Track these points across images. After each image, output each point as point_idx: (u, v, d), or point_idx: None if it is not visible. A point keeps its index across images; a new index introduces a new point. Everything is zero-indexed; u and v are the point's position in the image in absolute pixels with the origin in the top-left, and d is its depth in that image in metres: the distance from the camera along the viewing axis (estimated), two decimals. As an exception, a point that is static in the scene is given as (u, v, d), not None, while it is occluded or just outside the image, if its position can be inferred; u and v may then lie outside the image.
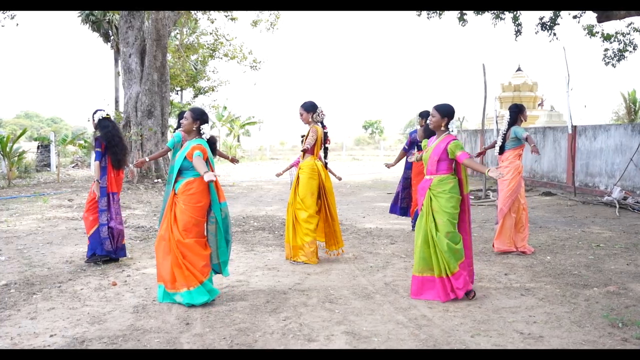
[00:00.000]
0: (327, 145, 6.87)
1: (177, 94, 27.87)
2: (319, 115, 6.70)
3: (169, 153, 7.38)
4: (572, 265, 6.40)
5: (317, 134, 6.69)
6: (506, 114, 7.33)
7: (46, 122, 79.31)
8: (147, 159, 6.89)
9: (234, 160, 6.52)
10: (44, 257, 6.86)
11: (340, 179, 9.28)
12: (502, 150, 7.19)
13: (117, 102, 25.79)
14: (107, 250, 6.57)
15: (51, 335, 4.26)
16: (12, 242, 7.77)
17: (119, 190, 6.78)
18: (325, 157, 6.90)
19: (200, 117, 5.11)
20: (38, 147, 24.14)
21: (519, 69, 25.45)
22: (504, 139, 7.17)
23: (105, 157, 6.60)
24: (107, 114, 6.77)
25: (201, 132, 5.10)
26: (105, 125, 6.66)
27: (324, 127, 6.80)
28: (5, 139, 18.07)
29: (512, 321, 4.53)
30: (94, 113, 6.75)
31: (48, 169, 22.66)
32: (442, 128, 5.24)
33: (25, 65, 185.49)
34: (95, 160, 6.59)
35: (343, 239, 7.09)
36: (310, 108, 6.70)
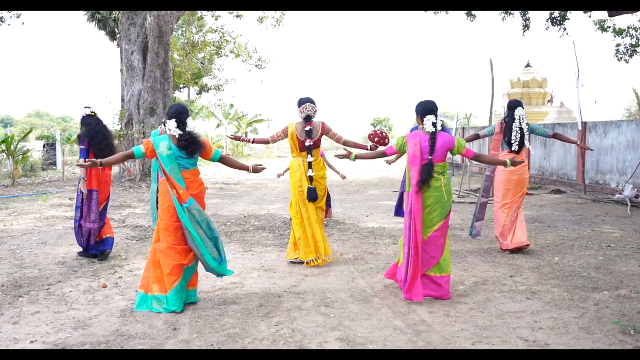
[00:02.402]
0: (306, 143, 6.30)
1: (181, 91, 27.67)
2: (300, 111, 6.38)
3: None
4: (581, 266, 6.13)
5: (285, 131, 6.46)
6: (521, 112, 6.93)
7: (57, 121, 79.54)
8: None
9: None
10: (36, 258, 6.69)
11: (344, 177, 9.06)
12: (521, 147, 6.87)
13: (123, 99, 25.63)
14: (79, 245, 6.71)
15: (31, 342, 4.07)
16: (6, 242, 7.61)
17: (102, 189, 6.71)
18: (307, 155, 6.37)
19: (167, 113, 4.87)
20: (44, 146, 24.12)
21: (527, 65, 24.99)
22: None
23: (89, 154, 6.53)
24: (92, 112, 6.73)
25: (167, 128, 4.86)
26: (88, 123, 6.65)
27: (307, 124, 6.33)
28: (10, 138, 18.01)
29: (516, 327, 4.29)
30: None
31: (54, 167, 22.61)
32: (420, 126, 5.18)
33: (36, 65, 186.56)
34: (80, 157, 6.59)
35: (345, 239, 6.85)
36: (297, 104, 6.44)
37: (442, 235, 5.03)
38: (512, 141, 6.77)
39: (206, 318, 4.56)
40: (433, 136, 5.00)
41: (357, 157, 5.63)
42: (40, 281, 5.67)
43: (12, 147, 17.68)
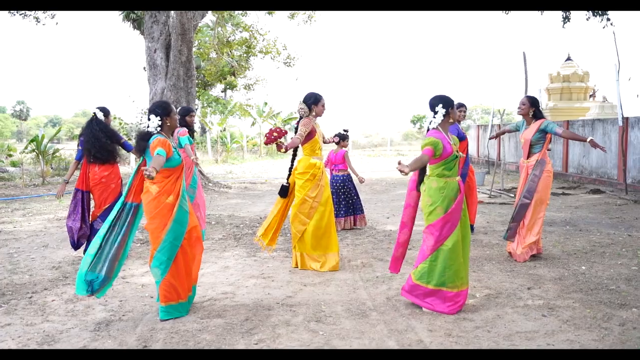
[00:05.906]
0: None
1: (205, 89, 27.62)
2: None
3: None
4: (609, 278, 5.52)
5: None
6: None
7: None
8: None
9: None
10: (32, 262, 6.47)
11: (362, 181, 8.57)
12: None
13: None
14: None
15: (-10, 359, 3.78)
16: (8, 244, 7.44)
17: (100, 190, 6.56)
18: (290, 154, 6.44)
19: None
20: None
21: (568, 59, 23.90)
22: None
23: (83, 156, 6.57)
24: (93, 113, 6.71)
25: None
26: (84, 125, 6.74)
27: (296, 122, 6.27)
28: (40, 137, 18.18)
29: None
30: None
31: (87, 166, 22.84)
32: None
33: (83, 66, 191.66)
34: (75, 159, 6.70)
35: (358, 243, 6.41)
36: None
37: (424, 241, 4.64)
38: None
39: (183, 334, 4.20)
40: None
41: None
42: (26, 288, 5.42)
43: (42, 147, 17.85)
